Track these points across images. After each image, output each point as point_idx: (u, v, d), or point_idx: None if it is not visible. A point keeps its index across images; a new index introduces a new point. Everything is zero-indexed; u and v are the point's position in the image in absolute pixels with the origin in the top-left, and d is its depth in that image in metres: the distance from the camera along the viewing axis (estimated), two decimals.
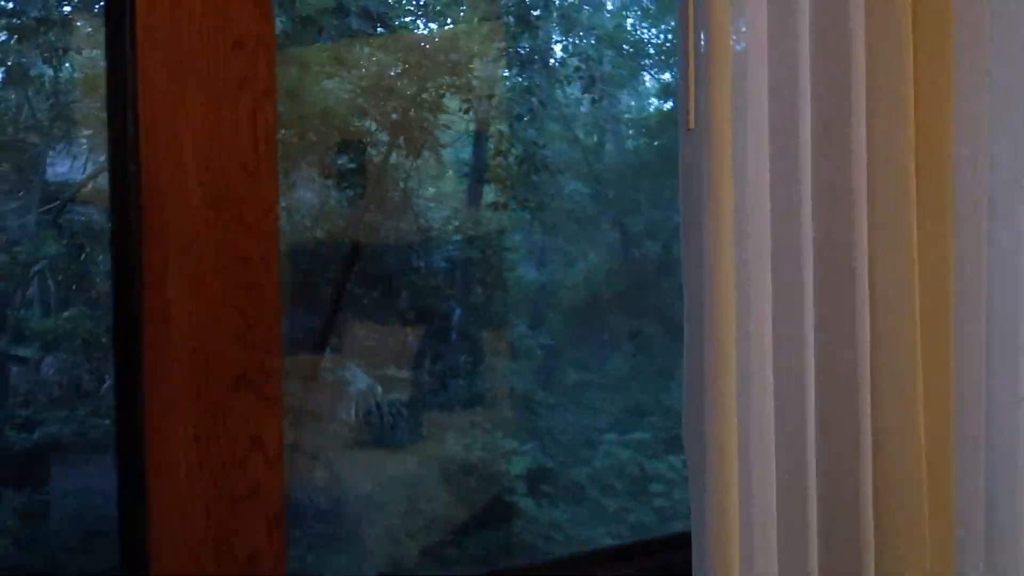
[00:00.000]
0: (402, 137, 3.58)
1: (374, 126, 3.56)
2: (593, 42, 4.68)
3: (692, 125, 0.98)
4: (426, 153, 3.61)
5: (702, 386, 0.91)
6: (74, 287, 3.86)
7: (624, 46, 6.24)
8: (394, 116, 3.43)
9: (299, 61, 3.35)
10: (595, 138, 5.70)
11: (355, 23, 3.23)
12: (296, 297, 4.12)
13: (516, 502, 4.87)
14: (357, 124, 3.51)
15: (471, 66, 3.51)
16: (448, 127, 3.67)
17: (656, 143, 6.08)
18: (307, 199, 4.07)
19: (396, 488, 4.71)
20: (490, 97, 3.71)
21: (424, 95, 3.43)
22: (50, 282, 4.06)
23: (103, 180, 4.01)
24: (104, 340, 4.17)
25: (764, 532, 0.99)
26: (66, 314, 4.16)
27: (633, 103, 6.80)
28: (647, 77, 7.21)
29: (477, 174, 3.86)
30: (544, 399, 5.67)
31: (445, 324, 5.27)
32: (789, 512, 1.03)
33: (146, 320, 0.85)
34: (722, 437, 0.91)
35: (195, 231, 0.85)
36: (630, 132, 6.49)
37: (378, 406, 5.15)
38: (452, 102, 3.55)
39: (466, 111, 3.59)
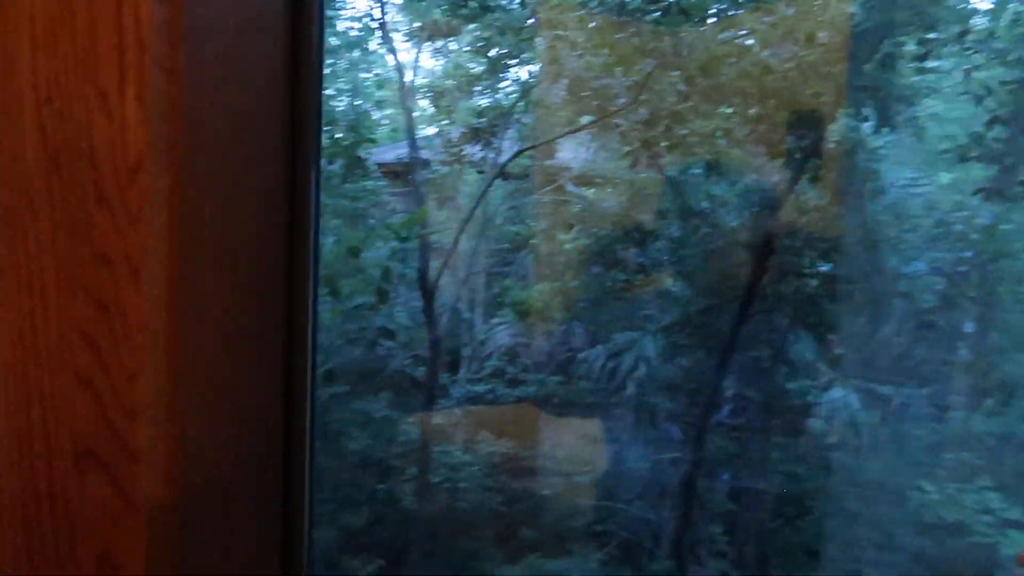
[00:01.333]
0: (868, 104, 2.80)
1: (825, 95, 2.83)
2: None
3: None
4: (899, 121, 2.74)
5: None
6: None
7: None
8: (850, 77, 2.66)
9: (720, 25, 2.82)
10: None
11: None
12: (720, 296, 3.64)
13: None
14: (805, 92, 2.84)
15: None
16: (934, 89, 2.73)
17: None
18: (751, 184, 3.52)
19: (854, 531, 3.93)
20: (963, 34, 2.60)
21: (899, 41, 2.56)
22: None
23: None
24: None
25: None
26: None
27: None
28: None
29: (964, 148, 2.80)
30: None
31: (945, 338, 4.25)
32: None
33: None
34: None
35: (28, 202, 0.52)
36: None
37: (854, 426, 4.45)
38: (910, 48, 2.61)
39: (922, 57, 2.59)
